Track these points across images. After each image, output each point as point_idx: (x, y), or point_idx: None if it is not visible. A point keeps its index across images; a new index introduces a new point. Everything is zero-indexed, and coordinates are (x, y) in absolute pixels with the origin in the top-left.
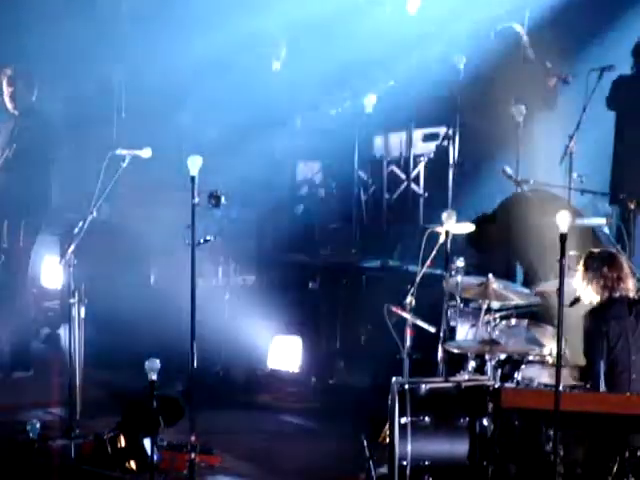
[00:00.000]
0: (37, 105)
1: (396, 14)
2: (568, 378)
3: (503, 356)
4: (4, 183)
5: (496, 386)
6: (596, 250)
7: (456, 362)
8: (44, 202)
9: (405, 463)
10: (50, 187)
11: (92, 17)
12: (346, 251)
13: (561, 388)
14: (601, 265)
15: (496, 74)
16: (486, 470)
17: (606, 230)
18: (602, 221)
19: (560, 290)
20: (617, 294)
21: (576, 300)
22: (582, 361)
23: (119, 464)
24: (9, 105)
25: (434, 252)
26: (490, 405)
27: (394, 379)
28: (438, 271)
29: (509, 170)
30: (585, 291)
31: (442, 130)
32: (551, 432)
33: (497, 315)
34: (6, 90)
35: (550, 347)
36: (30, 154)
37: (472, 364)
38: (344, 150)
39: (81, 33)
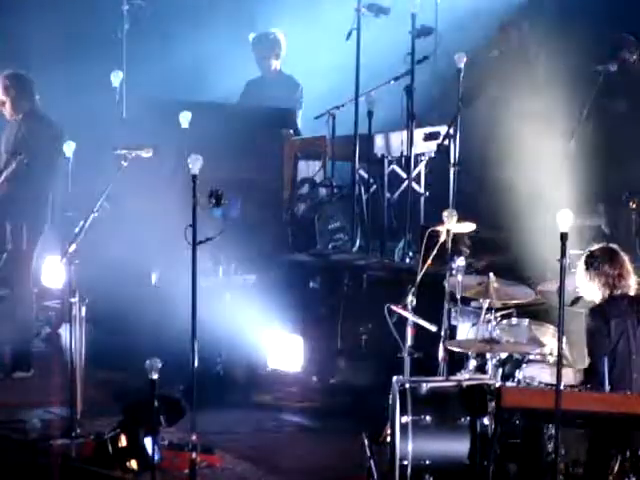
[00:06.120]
0: (38, 107)
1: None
2: (572, 378)
3: (504, 355)
4: (8, 186)
5: (497, 385)
6: (597, 247)
7: (457, 361)
8: (47, 204)
9: (406, 462)
10: (54, 189)
11: (93, 17)
12: (347, 250)
13: (562, 387)
14: (603, 262)
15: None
16: (487, 469)
17: (606, 230)
18: (602, 221)
19: (560, 289)
20: (619, 292)
21: (577, 299)
22: (583, 361)
23: (120, 464)
24: (7, 114)
25: (435, 251)
26: (491, 404)
27: (395, 378)
28: (439, 270)
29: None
30: (586, 289)
31: (443, 129)
32: (552, 431)
33: (498, 314)
34: (1, 101)
35: (551, 346)
36: (33, 157)
37: (473, 363)
38: (344, 149)
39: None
